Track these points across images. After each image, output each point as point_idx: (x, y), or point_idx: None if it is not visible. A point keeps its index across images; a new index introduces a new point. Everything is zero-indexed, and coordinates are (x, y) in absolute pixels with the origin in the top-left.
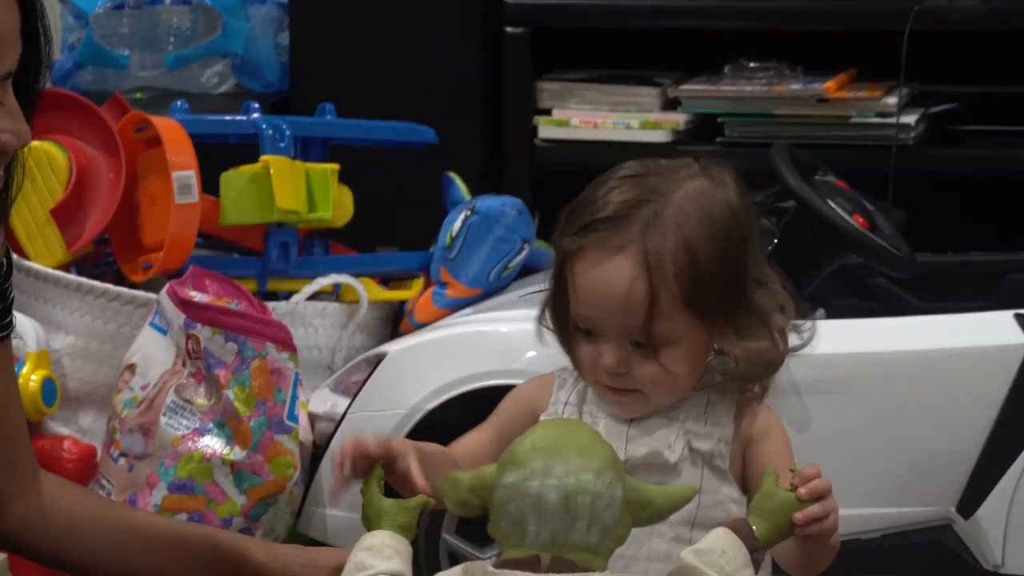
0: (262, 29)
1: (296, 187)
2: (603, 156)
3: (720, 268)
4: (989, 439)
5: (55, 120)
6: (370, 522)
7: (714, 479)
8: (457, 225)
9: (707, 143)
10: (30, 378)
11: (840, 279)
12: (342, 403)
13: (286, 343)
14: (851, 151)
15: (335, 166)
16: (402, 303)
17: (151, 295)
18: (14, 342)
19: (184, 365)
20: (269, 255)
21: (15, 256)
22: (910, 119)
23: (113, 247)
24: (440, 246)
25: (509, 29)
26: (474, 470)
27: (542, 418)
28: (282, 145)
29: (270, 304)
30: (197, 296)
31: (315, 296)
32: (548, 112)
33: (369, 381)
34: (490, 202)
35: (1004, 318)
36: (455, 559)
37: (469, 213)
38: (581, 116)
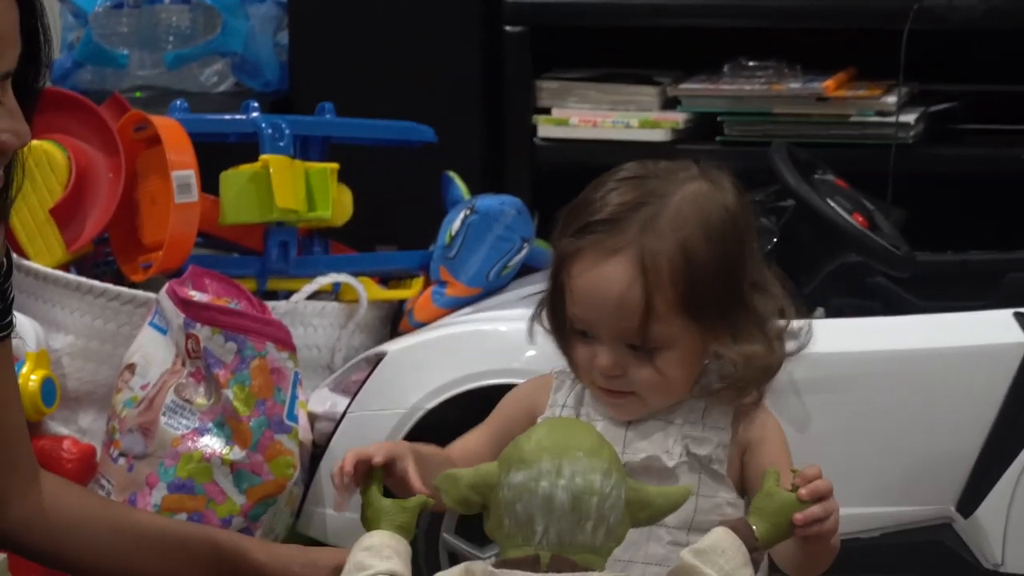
0: (261, 28)
1: (295, 186)
2: (602, 155)
3: (717, 271)
4: (989, 438)
5: (54, 119)
6: (369, 522)
7: (711, 483)
8: (456, 224)
9: (706, 142)
10: (30, 378)
11: (840, 278)
12: (342, 402)
13: (286, 342)
14: (850, 150)
15: (334, 165)
16: (401, 302)
17: (151, 295)
18: (14, 342)
19: (184, 365)
20: (269, 254)
21: (15, 256)
22: (909, 118)
23: (113, 246)
24: (439, 245)
25: (508, 28)
26: (473, 468)
27: (540, 420)
28: (281, 144)
29: (270, 303)
30: (197, 295)
31: (315, 295)
32: (547, 111)
33: (369, 380)
34: (489, 201)
35: (1003, 317)
36: (455, 559)
37: (468, 212)
38: (580, 115)
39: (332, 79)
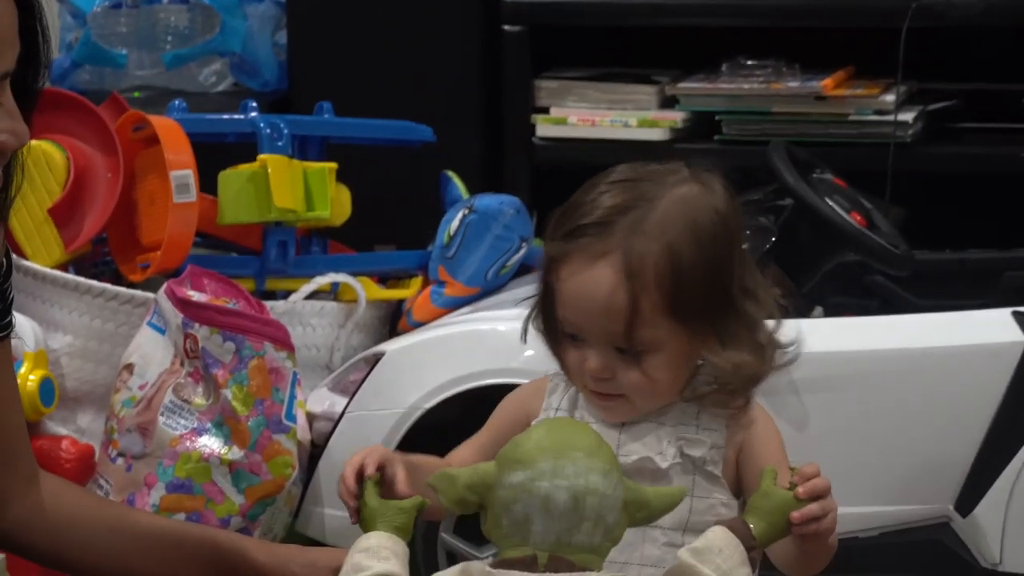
0: (260, 28)
1: (294, 186)
2: (601, 154)
3: (705, 275)
4: (987, 437)
5: (53, 119)
6: (366, 523)
7: (705, 484)
8: (455, 224)
9: (705, 141)
10: (28, 378)
11: (838, 277)
12: (340, 402)
13: (284, 342)
14: (849, 149)
15: (333, 165)
16: (400, 302)
17: (149, 294)
18: (12, 342)
19: (182, 364)
20: (267, 254)
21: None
22: (908, 116)
23: (111, 246)
24: (438, 245)
25: (507, 28)
26: (471, 467)
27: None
28: (280, 144)
29: (268, 303)
30: (195, 295)
31: (313, 295)
32: (546, 110)
33: (367, 380)
34: (488, 201)
35: (1002, 316)
36: (453, 559)
37: (467, 212)
38: (579, 114)
39: (330, 79)
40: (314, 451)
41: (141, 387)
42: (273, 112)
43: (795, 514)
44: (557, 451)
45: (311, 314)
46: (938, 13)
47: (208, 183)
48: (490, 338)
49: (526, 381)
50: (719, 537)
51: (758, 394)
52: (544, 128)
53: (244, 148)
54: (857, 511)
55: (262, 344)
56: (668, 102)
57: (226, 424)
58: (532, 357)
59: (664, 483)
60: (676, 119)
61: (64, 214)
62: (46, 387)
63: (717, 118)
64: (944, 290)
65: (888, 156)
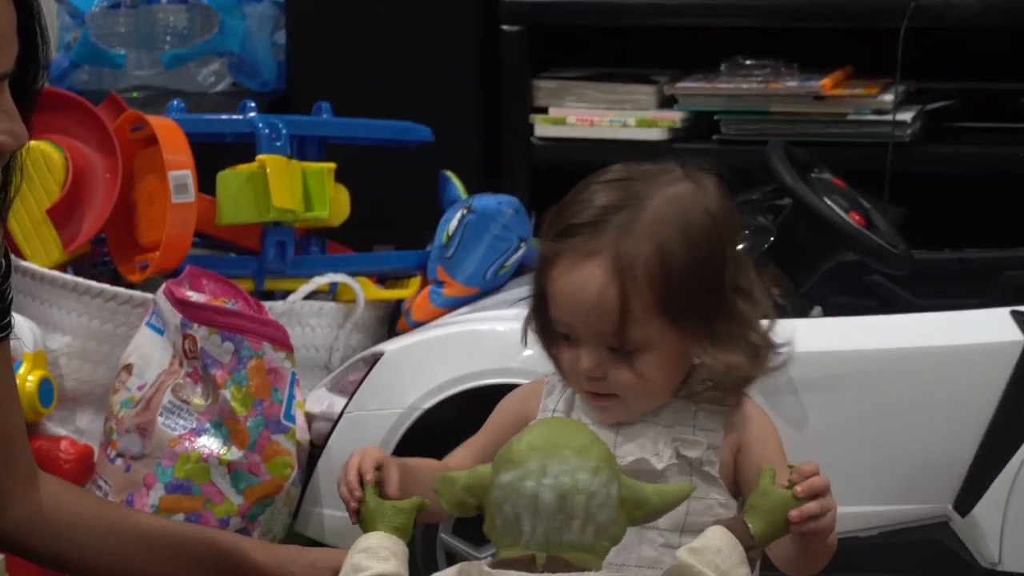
0: (258, 28)
1: (292, 186)
2: (600, 154)
3: (695, 274)
4: (986, 436)
5: (51, 120)
6: (366, 523)
7: (703, 485)
8: (454, 224)
9: (704, 141)
10: (27, 378)
11: (837, 276)
12: (339, 402)
13: (283, 343)
14: (847, 148)
15: (332, 165)
16: (399, 302)
17: (148, 295)
18: (11, 342)
19: (181, 365)
20: (266, 254)
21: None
22: (906, 116)
23: (110, 247)
24: (437, 245)
25: (505, 27)
26: (469, 469)
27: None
28: (278, 144)
29: (267, 304)
30: (194, 296)
31: (312, 295)
32: (545, 110)
33: (366, 380)
34: (487, 201)
35: (1000, 315)
36: (452, 559)
37: (466, 212)
38: (578, 114)
39: (329, 79)
40: (313, 451)
41: (140, 388)
42: (271, 112)
43: (793, 513)
44: (546, 450)
45: (310, 314)
46: (936, 13)
47: (207, 183)
48: (489, 338)
49: (525, 381)
50: (717, 536)
51: (756, 394)
52: (543, 128)
53: (243, 148)
54: (856, 511)
55: (261, 344)
56: (667, 102)
57: (225, 424)
58: (531, 357)
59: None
60: (675, 119)
61: (63, 214)
62: (45, 388)
63: (716, 118)
64: (943, 290)
65: (887, 156)
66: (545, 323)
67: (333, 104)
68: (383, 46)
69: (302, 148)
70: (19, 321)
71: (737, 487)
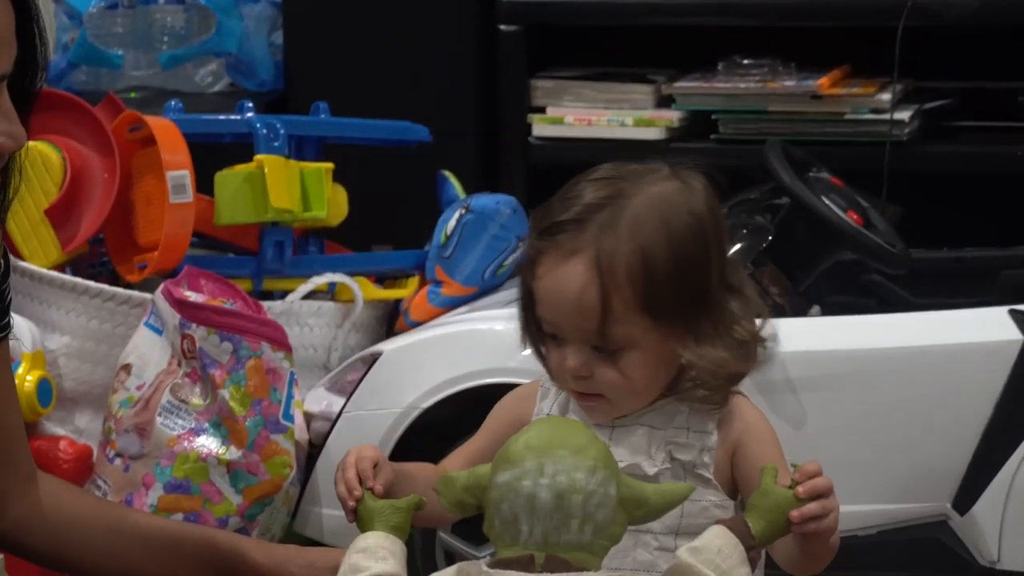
0: (256, 28)
1: (291, 186)
2: (597, 154)
3: (677, 273)
4: (984, 435)
5: (49, 120)
6: (363, 523)
7: (698, 487)
8: (452, 223)
9: (701, 140)
10: (26, 378)
11: (835, 275)
12: (338, 402)
13: (281, 342)
14: (845, 147)
15: (330, 165)
16: (397, 302)
17: (146, 295)
18: (10, 343)
19: (179, 365)
20: (264, 254)
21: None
22: (904, 115)
23: (108, 247)
24: (435, 244)
25: (503, 27)
26: (469, 469)
27: None
28: (276, 144)
29: (265, 303)
30: (192, 296)
31: (310, 295)
32: (542, 110)
33: (365, 380)
34: (485, 200)
35: (999, 314)
36: (451, 558)
37: (464, 211)
38: (575, 114)
39: (327, 79)
40: (312, 451)
41: (139, 387)
42: (269, 112)
43: (794, 513)
44: (543, 450)
45: (308, 314)
46: (934, 12)
47: (205, 183)
48: (487, 338)
49: (524, 380)
50: (718, 536)
51: (755, 392)
52: (540, 128)
53: (240, 148)
54: (855, 509)
55: (259, 344)
56: (664, 101)
57: (224, 424)
58: (529, 357)
59: None
60: (672, 118)
61: (61, 215)
62: (44, 388)
63: (713, 117)
64: (941, 289)
65: (884, 155)
66: (532, 322)
67: (331, 104)
68: (381, 46)
69: (300, 148)
70: (18, 321)
71: (734, 487)
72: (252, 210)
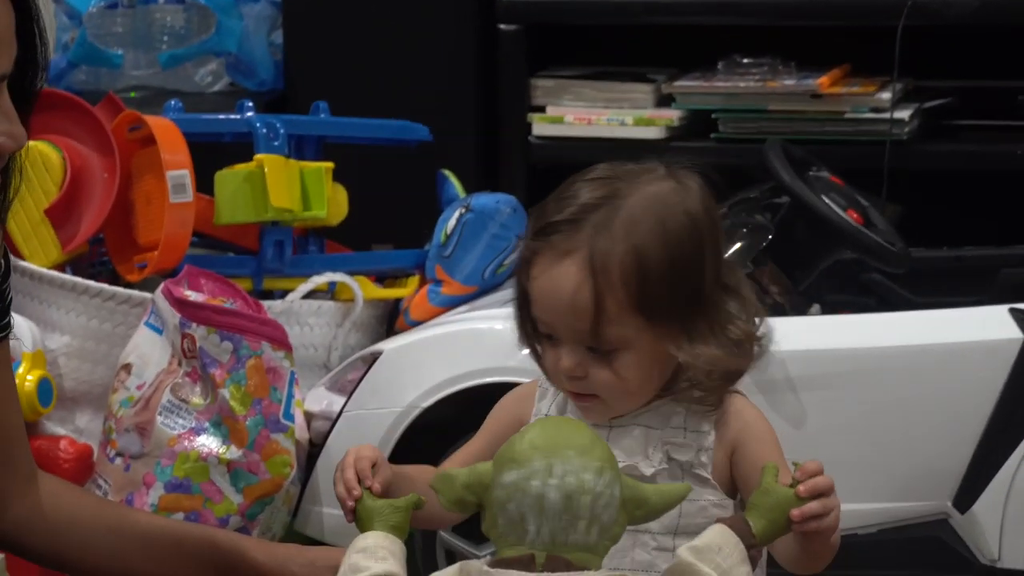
0: (256, 28)
1: (291, 186)
2: (597, 153)
3: (671, 273)
4: (985, 434)
5: (49, 120)
6: (363, 523)
7: (695, 486)
8: (452, 223)
9: (701, 139)
10: (26, 378)
11: (835, 274)
12: (338, 401)
13: (282, 342)
14: (845, 146)
15: (329, 164)
16: (397, 301)
17: (146, 294)
18: (10, 342)
19: (180, 364)
20: (264, 254)
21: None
22: (904, 114)
23: (108, 247)
24: (435, 244)
25: (503, 26)
26: (469, 467)
27: None
28: (276, 144)
29: (265, 303)
30: (192, 295)
31: (310, 294)
32: (542, 109)
33: (365, 379)
34: (485, 199)
35: (999, 313)
36: (452, 557)
37: (464, 211)
38: (575, 113)
39: (327, 78)
40: (312, 450)
41: (139, 387)
42: (269, 112)
43: (795, 512)
44: (550, 450)
45: (308, 313)
46: (934, 11)
47: (204, 183)
48: (487, 337)
49: (524, 379)
50: (719, 535)
51: (755, 391)
52: (540, 127)
53: (240, 148)
54: (856, 508)
55: (259, 344)
56: (664, 100)
57: (224, 423)
58: (529, 356)
59: None
60: (672, 117)
61: (61, 215)
62: (44, 387)
63: (713, 116)
64: (941, 287)
65: (884, 154)
66: (528, 322)
67: (331, 103)
68: (380, 45)
69: (300, 148)
70: (18, 321)
71: (733, 487)
72: (252, 209)
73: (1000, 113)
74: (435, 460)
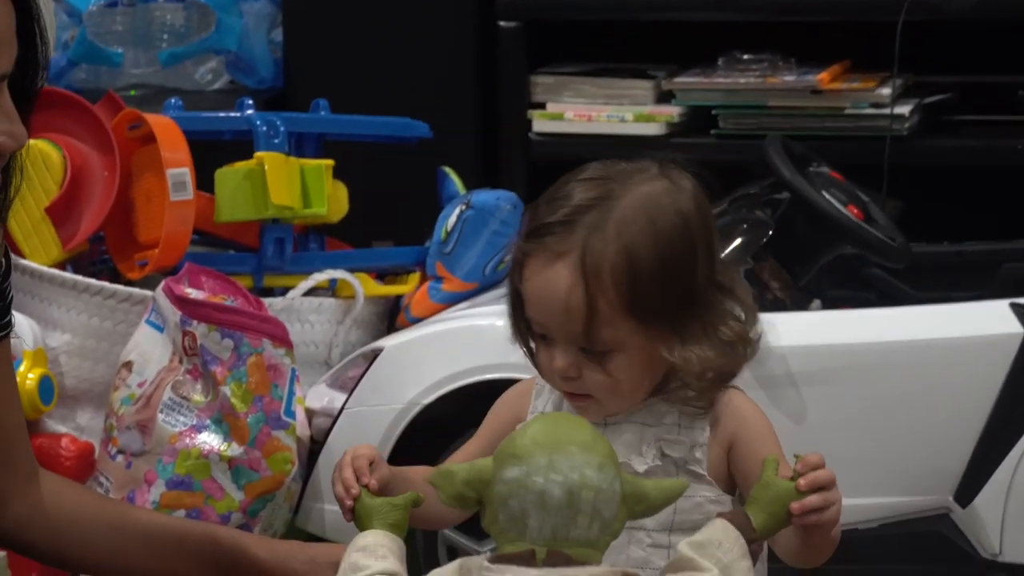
0: (255, 25)
1: (291, 183)
2: (597, 149)
3: (664, 274)
4: (986, 428)
5: (50, 118)
6: (362, 521)
7: (691, 483)
8: (452, 219)
9: (701, 135)
10: (27, 376)
11: (836, 270)
12: (339, 398)
13: (282, 339)
14: (845, 142)
15: (330, 162)
16: (398, 298)
17: (147, 292)
18: (11, 341)
19: (181, 362)
20: (264, 251)
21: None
22: (904, 110)
23: (108, 245)
24: (435, 241)
25: (502, 23)
26: (469, 463)
27: None
28: (276, 141)
29: (266, 300)
30: (193, 293)
31: (311, 292)
32: (542, 106)
33: (366, 376)
34: (485, 196)
35: (1000, 307)
36: (454, 553)
37: (464, 207)
38: (575, 109)
39: (327, 76)
40: (313, 447)
41: (140, 385)
42: (269, 109)
43: (795, 505)
44: (551, 445)
45: (309, 311)
46: (933, 6)
47: (205, 181)
48: (488, 333)
49: (524, 376)
50: (719, 530)
51: (755, 387)
52: (540, 123)
53: (241, 146)
54: (857, 503)
55: (260, 341)
56: (664, 97)
57: (225, 421)
58: None
59: None
60: (672, 114)
61: (61, 213)
62: (45, 385)
63: (713, 112)
64: (942, 282)
65: (884, 149)
66: (522, 321)
67: (331, 101)
68: (380, 43)
69: (300, 145)
70: (19, 319)
71: (730, 483)
72: (252, 207)
73: (1000, 108)
74: (436, 456)
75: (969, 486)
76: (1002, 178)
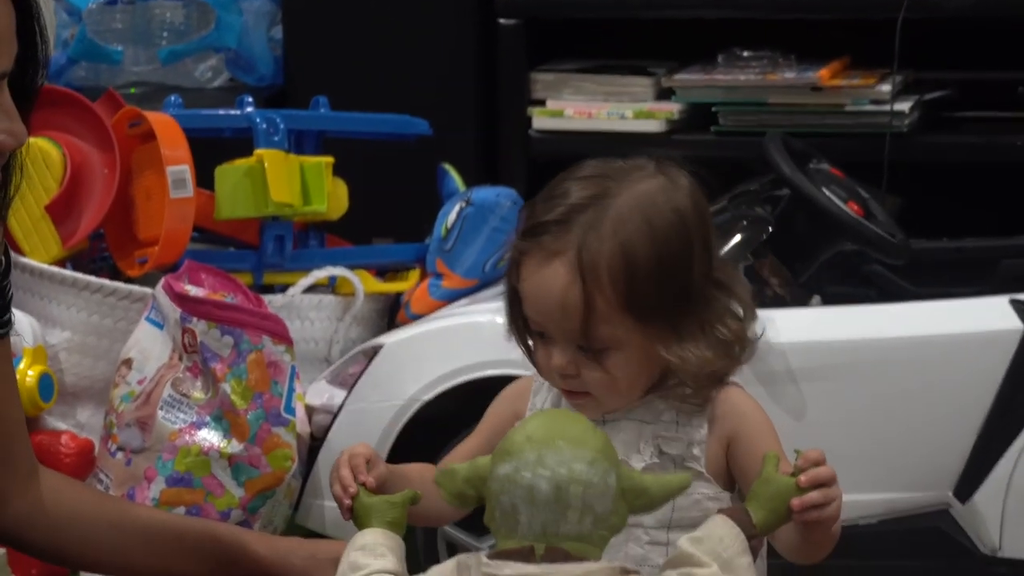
0: (255, 23)
1: (291, 180)
2: (597, 146)
3: (660, 272)
4: (985, 424)
5: (49, 116)
6: (360, 520)
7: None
8: (452, 216)
9: (701, 132)
10: (27, 373)
11: (835, 266)
12: (339, 395)
13: (282, 336)
14: (845, 139)
15: (330, 159)
16: (398, 295)
17: (147, 290)
18: (11, 338)
19: (180, 359)
20: (264, 248)
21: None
22: (904, 106)
23: (108, 242)
24: (436, 237)
25: (502, 20)
26: (469, 461)
27: None
28: (276, 139)
29: (266, 297)
30: (193, 290)
31: (311, 289)
32: (542, 103)
33: (366, 373)
34: (485, 193)
35: (999, 303)
36: (454, 550)
37: (464, 204)
38: (575, 106)
39: (326, 73)
40: (313, 444)
41: (140, 382)
42: (269, 107)
43: (795, 501)
44: (542, 441)
45: (309, 308)
46: (933, 3)
47: (205, 178)
48: (488, 330)
49: (524, 373)
50: (719, 526)
51: (756, 383)
52: (540, 120)
53: (240, 143)
54: (857, 498)
55: (260, 338)
56: (664, 94)
57: (225, 418)
58: None
59: None
60: (672, 111)
61: (61, 211)
62: (45, 382)
63: (713, 109)
64: (941, 278)
65: (884, 146)
66: (519, 319)
67: (331, 98)
68: (380, 40)
69: (300, 142)
70: (19, 317)
71: (729, 480)
72: (252, 204)
73: (1000, 105)
74: (436, 453)
75: (969, 482)
76: (1002, 174)
